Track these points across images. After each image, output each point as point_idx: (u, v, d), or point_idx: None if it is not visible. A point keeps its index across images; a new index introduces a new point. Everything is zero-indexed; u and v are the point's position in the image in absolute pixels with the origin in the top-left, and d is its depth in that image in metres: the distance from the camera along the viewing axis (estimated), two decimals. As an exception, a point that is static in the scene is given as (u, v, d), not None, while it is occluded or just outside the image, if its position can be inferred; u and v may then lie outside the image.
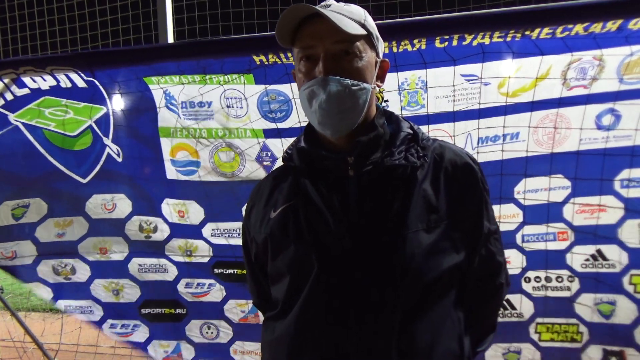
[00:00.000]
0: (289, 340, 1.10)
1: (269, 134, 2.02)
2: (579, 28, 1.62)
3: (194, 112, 2.05)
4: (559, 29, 1.63)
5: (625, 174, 1.75)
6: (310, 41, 1.06)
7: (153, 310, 2.28)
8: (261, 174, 2.03)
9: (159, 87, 2.05)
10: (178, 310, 2.25)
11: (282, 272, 1.14)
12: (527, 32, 1.65)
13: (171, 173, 2.12)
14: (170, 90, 2.04)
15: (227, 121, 2.04)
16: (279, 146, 2.02)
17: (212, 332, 2.26)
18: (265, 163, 2.05)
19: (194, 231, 2.16)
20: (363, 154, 1.10)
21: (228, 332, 2.24)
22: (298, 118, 1.98)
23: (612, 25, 1.59)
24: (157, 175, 2.12)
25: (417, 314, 1.05)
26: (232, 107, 2.01)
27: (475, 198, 1.14)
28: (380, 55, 1.15)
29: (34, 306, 4.51)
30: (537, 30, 1.65)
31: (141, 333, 2.31)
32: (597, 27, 1.61)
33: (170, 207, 2.16)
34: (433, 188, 1.10)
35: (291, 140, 1.95)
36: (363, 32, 1.07)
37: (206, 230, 2.15)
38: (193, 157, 2.09)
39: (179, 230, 2.18)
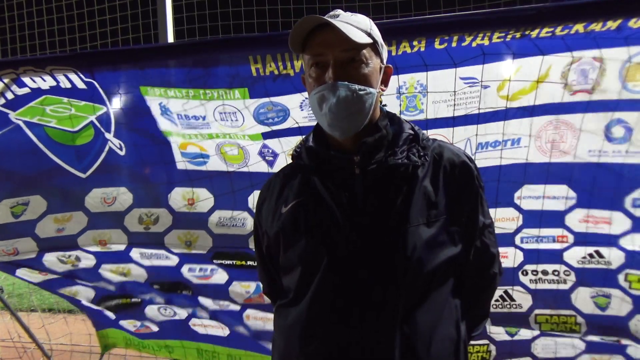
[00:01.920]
0: (301, 328, 1.19)
1: (267, 136, 2.05)
2: (578, 27, 1.62)
3: (190, 123, 2.07)
4: (559, 28, 1.64)
5: (635, 193, 1.75)
6: (320, 49, 1.14)
7: (163, 287, 2.34)
8: (264, 167, 2.08)
9: (153, 99, 2.06)
10: (184, 292, 2.31)
11: (293, 264, 1.23)
12: (527, 32, 1.66)
13: (181, 164, 2.15)
14: (164, 103, 2.06)
15: (225, 129, 2.06)
16: (278, 145, 2.05)
17: (222, 304, 2.30)
18: (267, 158, 2.08)
19: (199, 220, 2.19)
20: (368, 153, 1.18)
21: (236, 307, 2.29)
22: (296, 121, 1.99)
23: (612, 24, 1.59)
24: (166, 166, 2.15)
25: (418, 301, 1.14)
26: (227, 120, 2.04)
27: (471, 194, 1.23)
28: (384, 61, 1.24)
29: (33, 306, 4.50)
30: (537, 30, 1.65)
31: (157, 301, 2.37)
32: (597, 26, 1.61)
33: (180, 196, 2.19)
34: (433, 185, 1.18)
35: (289, 139, 2.01)
36: (369, 40, 1.15)
37: (213, 219, 2.18)
38: (201, 150, 2.12)
39: (183, 220, 2.20)
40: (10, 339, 3.45)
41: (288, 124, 2.00)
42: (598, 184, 1.77)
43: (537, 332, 1.97)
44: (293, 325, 1.21)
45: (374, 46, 1.18)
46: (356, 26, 1.14)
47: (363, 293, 1.13)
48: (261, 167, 2.09)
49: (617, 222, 1.79)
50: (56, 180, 2.20)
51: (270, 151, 2.06)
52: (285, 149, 2.04)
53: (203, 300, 2.31)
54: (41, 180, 2.20)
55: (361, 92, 1.13)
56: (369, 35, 1.15)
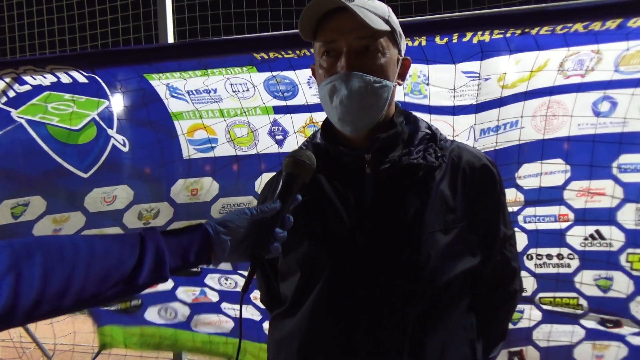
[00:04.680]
0: (300, 338, 1.10)
1: (278, 110, 2.05)
2: (578, 26, 1.63)
3: (202, 97, 2.08)
4: (559, 27, 1.65)
5: (622, 159, 1.79)
6: (333, 35, 1.05)
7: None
8: (274, 149, 2.08)
9: (160, 83, 2.07)
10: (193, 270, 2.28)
11: (292, 269, 1.14)
12: (527, 30, 1.66)
13: (187, 152, 2.15)
14: (172, 83, 2.06)
15: (237, 102, 2.07)
16: (289, 122, 2.05)
17: (230, 283, 2.28)
18: (277, 137, 2.08)
19: (200, 210, 2.18)
20: (381, 151, 1.10)
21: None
22: (305, 99, 2.00)
23: (611, 24, 1.60)
24: (171, 156, 2.15)
25: (429, 316, 1.05)
26: (239, 91, 2.04)
27: (492, 201, 1.14)
28: (403, 53, 1.14)
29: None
30: (536, 29, 1.66)
31: (166, 284, 2.33)
32: (596, 26, 1.62)
33: (182, 187, 2.18)
34: (450, 189, 1.09)
35: (301, 116, 2.02)
36: (387, 28, 1.06)
37: (216, 207, 2.17)
38: (210, 134, 2.13)
39: (184, 211, 2.20)
40: (10, 339, 3.44)
41: (299, 100, 2.01)
42: (588, 156, 1.81)
43: (539, 318, 1.98)
44: (290, 338, 1.12)
45: (391, 35, 1.08)
46: (373, 12, 1.04)
47: (369, 304, 1.04)
48: (271, 149, 2.10)
49: (610, 192, 1.82)
50: (57, 181, 2.18)
51: (280, 129, 2.06)
52: (296, 126, 2.05)
53: (209, 280, 2.29)
54: (43, 181, 2.19)
55: (376, 85, 1.04)
56: (387, 22, 1.06)
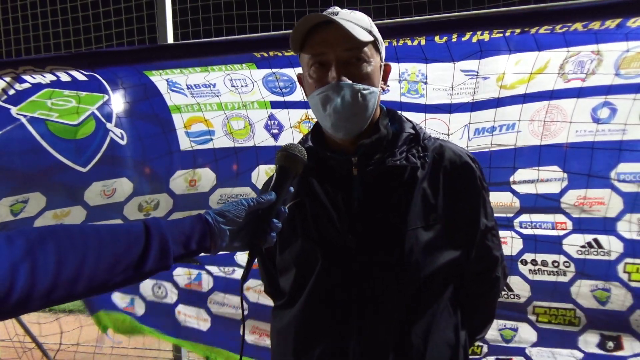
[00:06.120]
0: (295, 330, 1.19)
1: (275, 105, 2.08)
2: (577, 25, 1.62)
3: (201, 92, 2.11)
4: (558, 27, 1.64)
5: (620, 168, 1.77)
6: (321, 48, 1.10)
7: None
8: (270, 142, 2.11)
9: (161, 79, 2.08)
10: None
11: (289, 266, 1.22)
12: (526, 30, 1.66)
13: (185, 144, 2.17)
14: (172, 79, 2.08)
15: (236, 97, 2.09)
16: (286, 117, 2.08)
17: (228, 269, 2.29)
18: (273, 131, 2.11)
19: (200, 200, 2.20)
20: (366, 154, 1.16)
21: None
22: (302, 95, 2.01)
23: (611, 23, 1.59)
24: (169, 148, 2.17)
25: (415, 307, 1.12)
26: (237, 86, 2.06)
27: (472, 196, 1.20)
28: (384, 59, 1.22)
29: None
30: (535, 28, 1.66)
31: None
32: (596, 25, 1.61)
33: (181, 179, 2.20)
34: (432, 187, 1.15)
35: (297, 112, 2.05)
36: (371, 38, 1.12)
37: (214, 197, 2.19)
38: (208, 126, 2.15)
39: (184, 202, 2.22)
40: (10, 339, 3.45)
41: (296, 96, 2.03)
42: (586, 164, 1.79)
43: (534, 338, 1.93)
44: (287, 328, 1.21)
45: (374, 44, 1.15)
46: (357, 24, 1.11)
47: (358, 297, 1.11)
48: (267, 142, 2.12)
49: (609, 201, 1.79)
50: (57, 177, 2.19)
51: (276, 123, 2.10)
52: (292, 121, 2.08)
53: (209, 267, 2.29)
54: (42, 178, 2.19)
55: (365, 92, 1.11)
56: (370, 32, 1.13)
